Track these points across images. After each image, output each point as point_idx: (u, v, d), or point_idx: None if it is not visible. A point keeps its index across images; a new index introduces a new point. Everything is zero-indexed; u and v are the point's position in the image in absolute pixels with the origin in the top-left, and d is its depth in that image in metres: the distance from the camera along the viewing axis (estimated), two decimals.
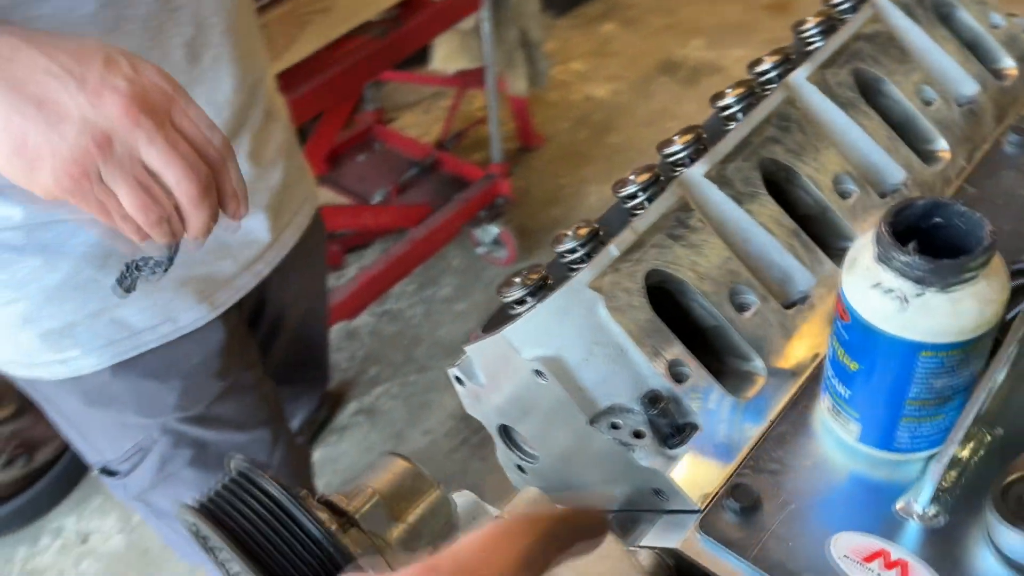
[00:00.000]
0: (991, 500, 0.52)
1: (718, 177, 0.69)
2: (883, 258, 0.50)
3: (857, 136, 0.75)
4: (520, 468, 0.75)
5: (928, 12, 0.84)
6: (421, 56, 2.83)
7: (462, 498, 0.62)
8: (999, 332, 0.53)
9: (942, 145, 0.78)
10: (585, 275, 0.62)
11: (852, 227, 0.71)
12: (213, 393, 1.06)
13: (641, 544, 0.60)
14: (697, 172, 0.69)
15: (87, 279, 0.89)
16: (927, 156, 0.79)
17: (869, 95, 0.80)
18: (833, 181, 0.72)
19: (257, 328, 1.21)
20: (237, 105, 0.94)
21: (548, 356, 0.61)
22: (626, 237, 0.64)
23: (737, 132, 0.71)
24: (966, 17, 0.86)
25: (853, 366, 0.55)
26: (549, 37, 3.71)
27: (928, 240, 0.52)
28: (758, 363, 0.64)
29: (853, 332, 0.53)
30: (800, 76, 0.76)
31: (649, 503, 0.63)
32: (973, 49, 0.86)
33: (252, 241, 1.03)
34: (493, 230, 2.62)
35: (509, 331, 0.62)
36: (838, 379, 0.57)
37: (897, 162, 0.75)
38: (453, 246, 2.70)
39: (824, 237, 0.72)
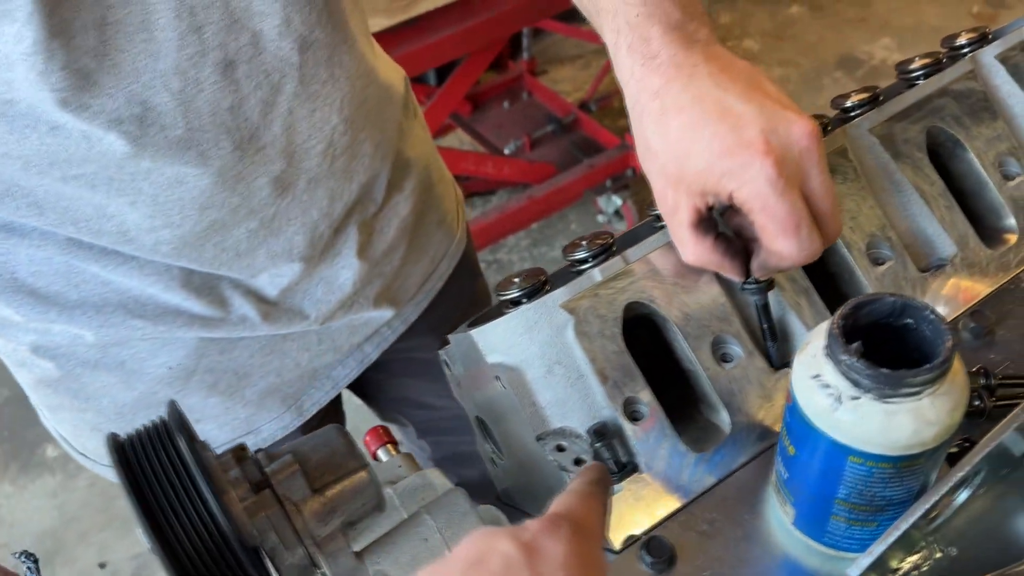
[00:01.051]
0: None
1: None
2: (828, 352, 0.47)
3: (910, 199, 0.70)
4: (493, 461, 0.76)
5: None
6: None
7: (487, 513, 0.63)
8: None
9: (1011, 225, 0.72)
10: (560, 294, 0.62)
11: None
12: None
13: None
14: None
15: (164, 398, 0.83)
16: (991, 235, 0.72)
17: (942, 157, 0.73)
18: (867, 244, 0.68)
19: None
20: (337, 214, 0.82)
21: (509, 365, 0.62)
22: (614, 264, 0.63)
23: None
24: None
25: (791, 450, 0.52)
26: (727, 8, 3.57)
27: (897, 340, 0.49)
28: (725, 418, 0.62)
29: (793, 417, 0.50)
30: (863, 125, 0.71)
31: None
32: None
33: (358, 326, 0.91)
34: (616, 201, 2.58)
35: (476, 333, 0.63)
36: (780, 459, 0.55)
37: (950, 235, 0.69)
38: (576, 209, 2.69)
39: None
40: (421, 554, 0.57)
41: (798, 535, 0.56)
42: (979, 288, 0.69)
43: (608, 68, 2.90)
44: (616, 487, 0.59)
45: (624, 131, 2.58)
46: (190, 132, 0.67)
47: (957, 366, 0.47)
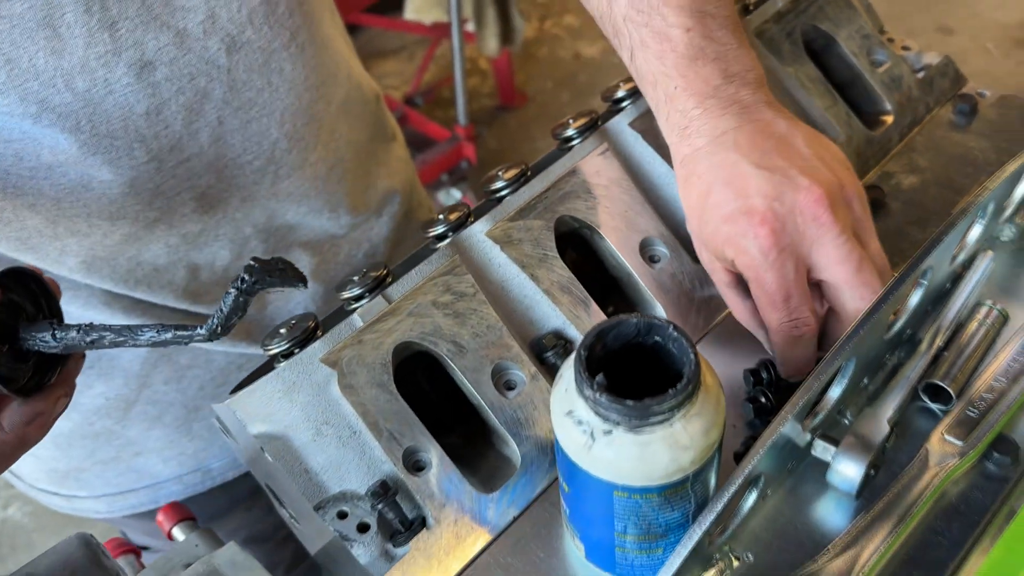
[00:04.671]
0: None
1: (503, 237, 0.63)
2: (577, 387, 0.44)
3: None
4: (294, 525, 0.71)
5: (798, 47, 0.76)
6: (401, 2, 2.73)
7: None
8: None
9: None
10: (318, 347, 0.57)
11: None
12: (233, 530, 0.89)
13: None
14: (478, 230, 0.63)
15: (102, 429, 0.78)
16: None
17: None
18: (640, 243, 0.66)
19: None
20: (280, 234, 0.75)
21: (273, 434, 0.56)
22: (376, 305, 0.59)
23: (534, 184, 0.65)
24: (845, 52, 0.78)
25: (566, 488, 0.49)
26: None
27: (653, 359, 0.46)
28: (515, 449, 0.59)
29: (558, 455, 0.48)
30: (622, 121, 0.69)
31: None
32: (846, 88, 0.78)
33: None
34: (456, 194, 2.55)
35: (233, 402, 0.57)
36: (561, 495, 0.52)
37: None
38: None
39: None
40: None
41: (593, 569, 0.53)
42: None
43: (429, 59, 2.85)
44: (403, 548, 0.55)
45: (453, 122, 2.54)
46: (96, 137, 0.60)
47: (710, 381, 0.45)
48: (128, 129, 0.62)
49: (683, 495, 0.46)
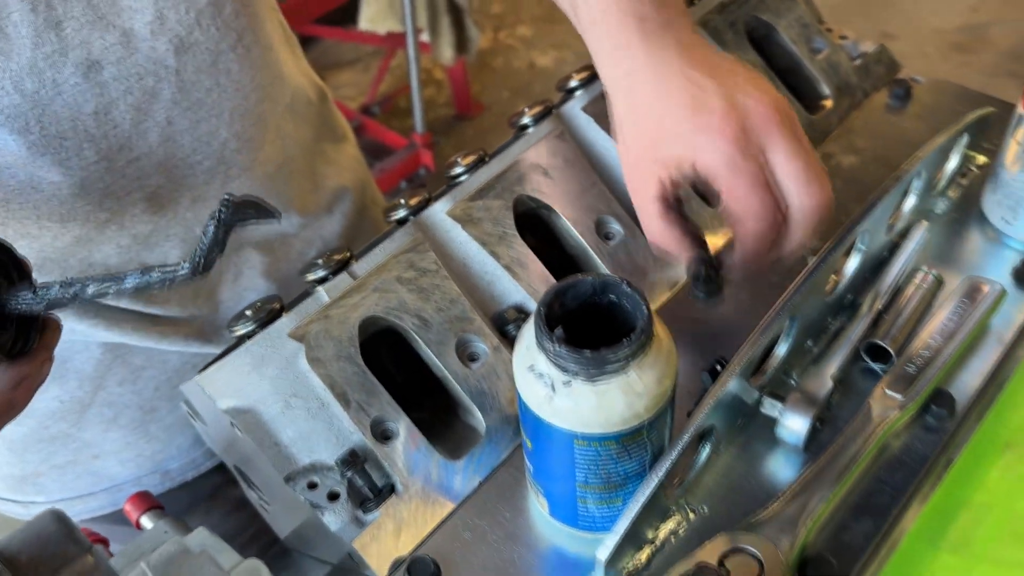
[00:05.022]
0: None
1: (464, 216, 0.65)
2: (537, 341, 0.46)
3: None
4: (263, 508, 0.72)
5: (740, 36, 0.80)
6: (355, 13, 2.75)
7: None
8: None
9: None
10: (286, 322, 0.58)
11: None
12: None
13: None
14: (439, 209, 0.65)
15: (57, 432, 0.77)
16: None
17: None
18: (596, 222, 0.68)
19: None
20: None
21: (243, 408, 0.58)
22: (341, 281, 0.60)
23: (491, 167, 0.67)
24: (785, 41, 0.82)
25: (529, 444, 0.52)
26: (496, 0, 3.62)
27: (608, 318, 0.49)
28: (479, 419, 0.61)
29: (521, 411, 0.50)
30: (575, 106, 0.72)
31: (352, 565, 0.60)
32: (788, 75, 0.82)
33: None
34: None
35: (202, 378, 0.58)
36: (524, 454, 0.54)
37: None
38: None
39: None
40: None
41: (557, 524, 0.55)
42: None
43: (385, 69, 2.87)
44: (374, 514, 0.57)
45: (410, 131, 2.56)
46: (45, 138, 0.61)
47: (662, 334, 0.48)
48: (77, 129, 0.62)
49: (639, 443, 0.48)
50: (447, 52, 2.54)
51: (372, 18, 2.70)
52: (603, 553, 0.49)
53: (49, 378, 0.72)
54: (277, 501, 0.66)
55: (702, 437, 0.55)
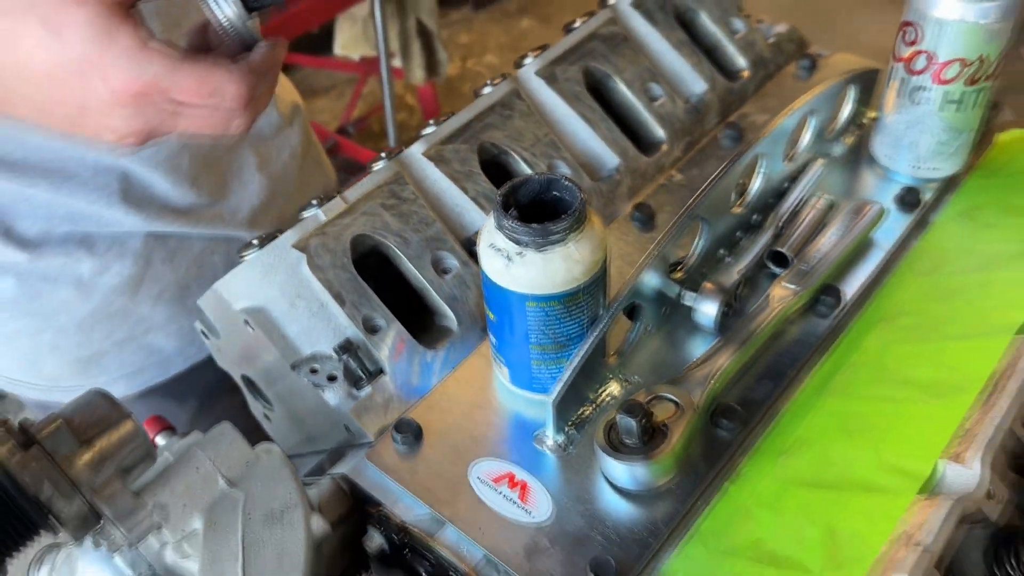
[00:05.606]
0: (599, 434, 0.62)
1: (436, 156, 0.78)
2: (496, 223, 0.59)
3: (578, 126, 0.85)
4: (267, 417, 0.83)
5: (668, 16, 0.94)
6: (330, 42, 2.89)
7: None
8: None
9: (661, 137, 0.88)
10: (290, 236, 0.71)
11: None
12: (222, 411, 0.92)
13: (329, 472, 0.68)
14: (416, 151, 0.78)
15: (119, 308, 0.88)
16: (648, 146, 0.88)
17: (600, 90, 0.89)
18: (548, 166, 0.82)
19: None
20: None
21: (255, 307, 0.70)
22: (335, 204, 0.73)
23: (459, 117, 0.80)
24: (707, 22, 0.96)
25: (492, 316, 0.64)
26: (466, 30, 3.79)
27: (552, 210, 0.61)
28: (453, 319, 0.73)
29: (487, 287, 0.62)
30: (529, 70, 0.85)
31: (348, 440, 0.71)
32: (711, 52, 0.96)
33: None
34: None
35: (219, 284, 0.70)
36: (489, 331, 0.66)
37: (613, 151, 0.85)
38: None
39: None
40: (195, 482, 0.64)
41: (516, 391, 0.67)
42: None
43: (359, 92, 3.01)
44: (365, 391, 0.68)
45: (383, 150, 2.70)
46: None
47: (594, 219, 0.60)
48: None
49: (578, 304, 0.60)
50: (418, 73, 2.68)
51: (345, 44, 2.85)
52: (552, 395, 0.61)
53: (113, 256, 0.86)
54: (282, 403, 0.78)
55: (631, 316, 0.67)
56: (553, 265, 0.58)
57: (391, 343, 0.70)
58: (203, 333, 0.79)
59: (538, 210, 0.61)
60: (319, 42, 2.95)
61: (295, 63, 3.10)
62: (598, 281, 0.61)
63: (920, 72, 0.75)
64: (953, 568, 0.57)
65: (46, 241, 0.83)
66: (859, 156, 0.86)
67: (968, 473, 0.53)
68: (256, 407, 0.83)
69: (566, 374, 0.61)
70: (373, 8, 2.37)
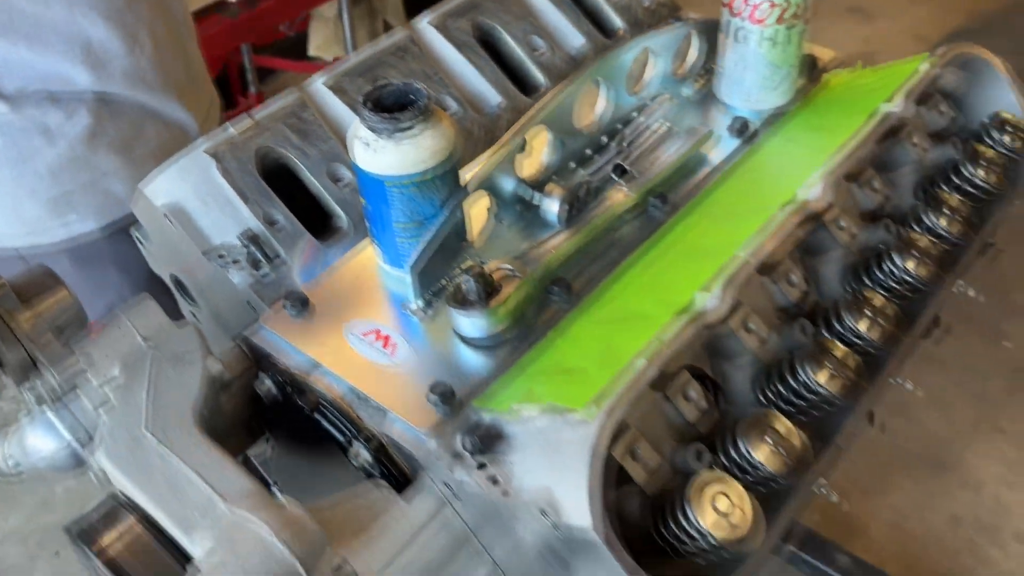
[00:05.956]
0: (448, 294, 0.75)
1: (335, 86, 0.92)
2: (360, 118, 0.72)
3: (466, 69, 0.99)
4: (194, 316, 0.96)
5: None
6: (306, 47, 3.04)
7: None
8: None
9: (541, 82, 1.02)
10: (202, 143, 0.84)
11: None
12: None
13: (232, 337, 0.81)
14: (318, 83, 0.92)
15: (80, 154, 1.10)
16: (531, 89, 1.02)
17: (488, 42, 1.03)
18: (436, 100, 0.95)
19: None
20: None
21: (173, 204, 0.83)
22: (244, 121, 0.86)
23: (359, 54, 0.94)
24: None
25: (365, 203, 0.77)
26: None
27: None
28: (344, 220, 0.87)
29: (358, 176, 0.75)
30: (423, 20, 0.99)
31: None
32: (592, 14, 1.10)
33: (187, 130, 1.26)
34: None
35: (143, 185, 0.84)
36: (366, 219, 0.80)
37: (496, 90, 0.99)
38: None
39: None
40: (116, 337, 0.76)
41: (389, 269, 0.81)
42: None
43: None
44: (264, 271, 0.82)
45: None
46: None
47: (444, 119, 0.74)
48: None
49: (431, 187, 0.74)
50: None
51: (319, 46, 3.00)
52: (411, 261, 0.74)
53: (72, 109, 1.08)
54: (202, 296, 0.91)
55: (476, 191, 0.81)
56: (404, 151, 0.72)
57: (288, 234, 0.84)
58: (139, 240, 0.92)
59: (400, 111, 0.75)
60: (296, 48, 3.11)
61: (274, 67, 3.25)
62: (448, 170, 0.74)
63: (739, 14, 0.89)
64: (727, 392, 0.70)
65: (23, 96, 1.03)
66: (705, 96, 1.00)
67: (710, 297, 0.66)
68: (185, 308, 0.96)
69: (422, 244, 0.75)
70: (341, 10, 2.52)
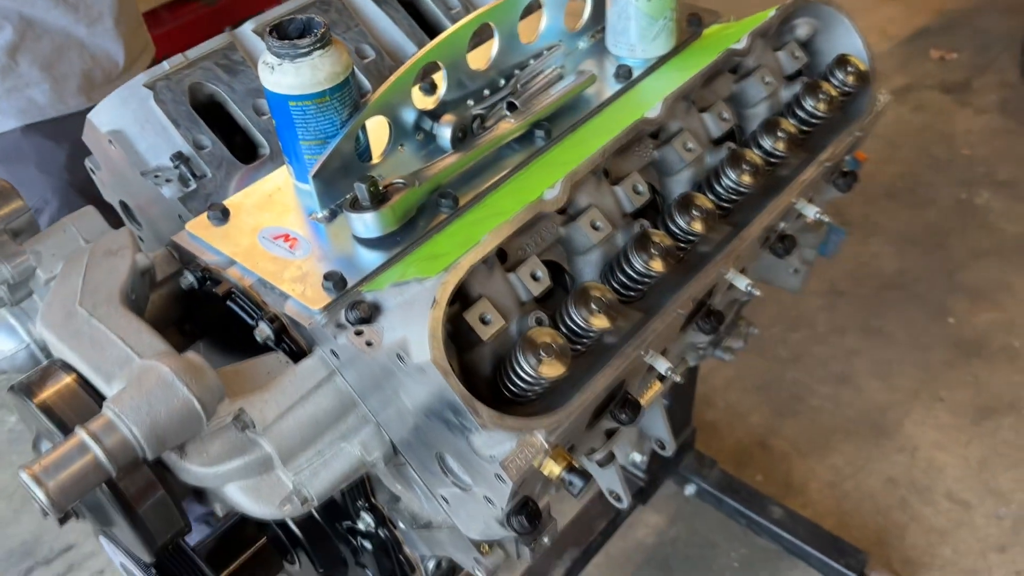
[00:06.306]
0: (347, 201, 0.87)
1: (262, 32, 1.04)
2: (267, 45, 0.85)
3: (385, 23, 1.11)
4: (140, 239, 1.08)
5: None
6: None
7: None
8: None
9: None
10: (141, 78, 0.96)
11: (370, 83, 1.06)
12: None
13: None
14: (247, 28, 1.04)
15: (4, 63, 1.32)
16: None
17: (410, 4, 1.16)
18: (355, 49, 1.08)
19: None
20: None
21: (116, 130, 0.95)
22: (178, 59, 0.99)
23: (283, 7, 1.07)
24: None
25: (272, 123, 0.89)
26: None
27: None
28: (267, 147, 0.99)
29: (267, 97, 0.87)
30: None
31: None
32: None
33: (114, 60, 1.46)
34: None
35: (91, 115, 0.96)
36: (279, 139, 0.92)
37: (412, 41, 1.11)
38: None
39: None
40: (61, 240, 0.89)
41: (300, 185, 0.93)
42: None
43: None
44: (192, 187, 0.94)
45: None
46: None
47: (340, 48, 0.86)
48: None
49: (330, 105, 0.86)
50: None
51: None
52: (313, 170, 0.86)
53: (6, 25, 1.30)
54: (143, 215, 1.03)
55: (375, 111, 0.92)
56: (303, 72, 0.84)
57: (214, 157, 0.96)
58: (91, 170, 1.05)
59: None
60: None
61: None
62: (345, 93, 0.86)
63: None
64: (577, 282, 0.82)
65: None
66: (598, 49, 1.12)
67: (552, 191, 0.78)
68: (133, 231, 1.08)
69: (324, 156, 0.87)
70: None
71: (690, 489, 2.09)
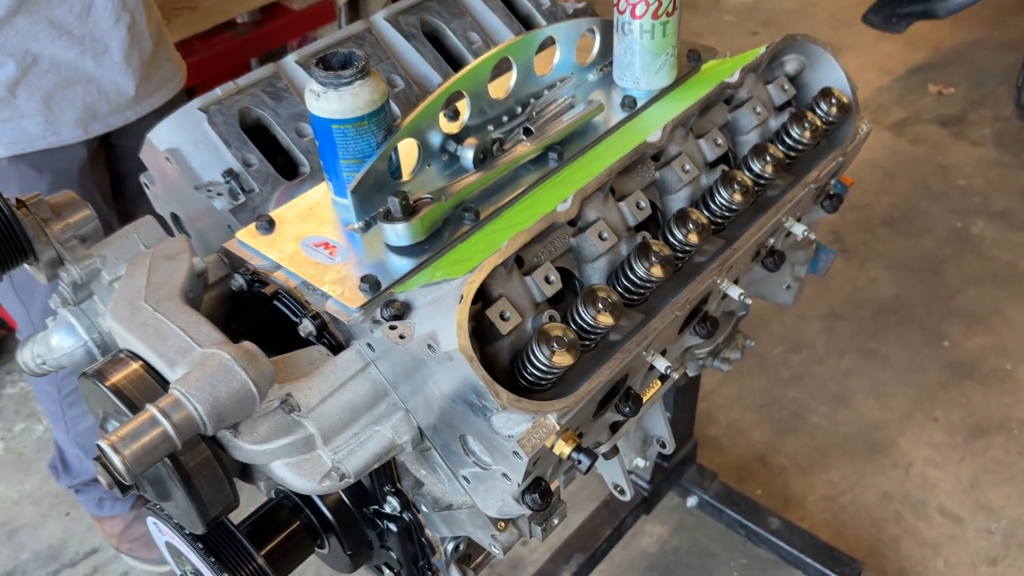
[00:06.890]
0: (381, 214, 0.97)
1: (304, 63, 1.15)
2: (312, 75, 0.96)
3: (412, 55, 1.22)
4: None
5: None
6: None
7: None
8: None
9: None
10: (196, 102, 1.08)
11: (399, 110, 1.18)
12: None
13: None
14: (291, 60, 1.15)
15: (2, 96, 1.41)
16: None
17: (434, 36, 1.27)
18: (387, 80, 1.19)
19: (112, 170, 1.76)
20: None
21: (172, 148, 1.06)
22: (229, 87, 1.10)
23: (323, 41, 1.18)
24: (524, 1, 1.34)
25: (318, 143, 1.00)
26: None
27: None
28: (307, 166, 1.10)
29: (312, 121, 0.98)
30: (379, 16, 1.23)
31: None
32: (526, 20, 1.34)
33: (123, 92, 1.55)
34: None
35: (150, 135, 1.07)
36: (320, 158, 1.02)
37: (437, 73, 1.22)
38: None
39: None
40: (124, 245, 0.99)
41: (339, 200, 1.03)
42: None
43: None
44: (241, 200, 1.05)
45: None
46: None
47: (377, 79, 0.97)
48: None
49: (368, 129, 0.97)
50: None
51: None
52: (351, 185, 0.97)
53: (12, 61, 1.42)
54: (192, 226, 1.13)
55: (407, 136, 1.03)
56: (344, 99, 0.95)
57: (262, 173, 1.07)
58: (145, 185, 1.16)
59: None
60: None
61: None
62: (380, 118, 0.97)
63: (624, 12, 1.13)
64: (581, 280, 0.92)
65: None
66: (608, 80, 1.23)
67: (564, 204, 0.88)
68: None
69: (361, 173, 0.97)
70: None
71: (692, 501, 2.17)
